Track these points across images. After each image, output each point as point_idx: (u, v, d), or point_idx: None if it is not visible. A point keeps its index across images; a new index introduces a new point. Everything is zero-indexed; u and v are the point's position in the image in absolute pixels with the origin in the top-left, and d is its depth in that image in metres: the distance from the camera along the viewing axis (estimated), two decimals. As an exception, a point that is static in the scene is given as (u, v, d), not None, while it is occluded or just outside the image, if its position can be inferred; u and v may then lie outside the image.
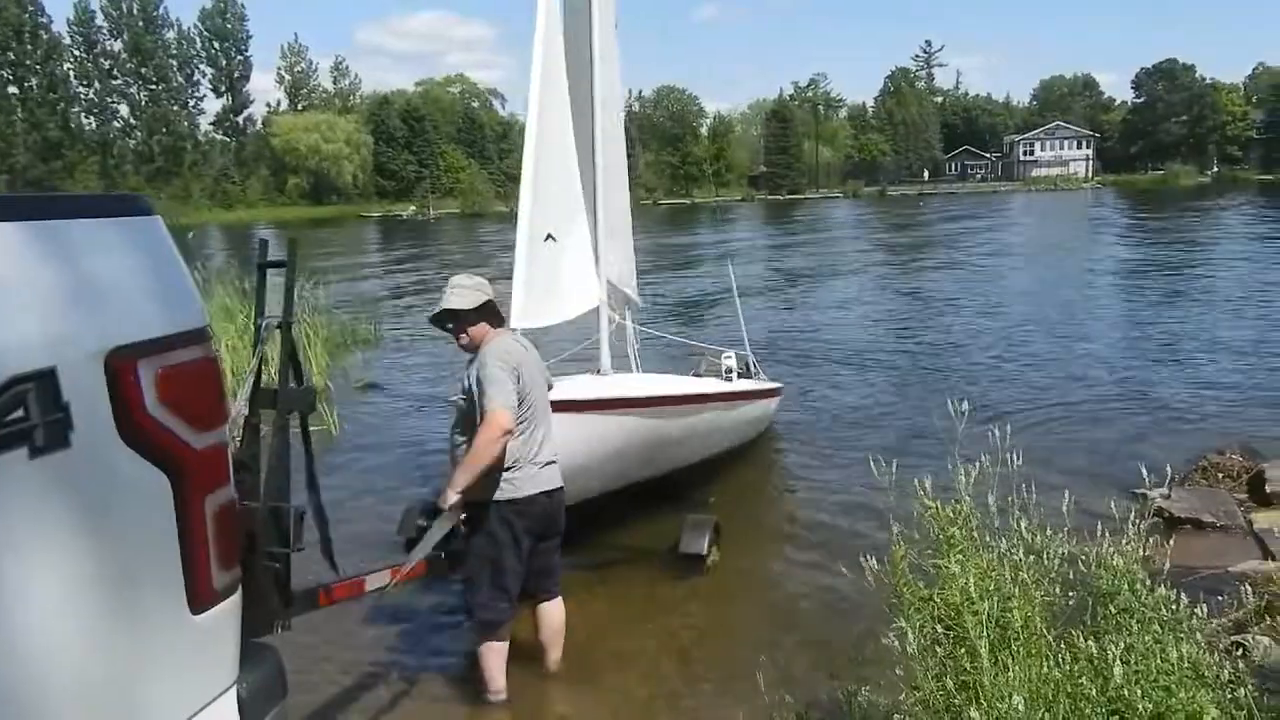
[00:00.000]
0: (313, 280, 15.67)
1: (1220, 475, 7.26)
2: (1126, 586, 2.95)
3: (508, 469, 4.31)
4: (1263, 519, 6.35)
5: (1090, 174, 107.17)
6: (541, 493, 4.38)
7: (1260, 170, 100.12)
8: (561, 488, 4.50)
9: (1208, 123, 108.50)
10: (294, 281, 3.20)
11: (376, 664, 5.09)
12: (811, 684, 4.34)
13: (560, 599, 4.70)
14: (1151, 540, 3.36)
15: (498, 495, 4.31)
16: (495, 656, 4.44)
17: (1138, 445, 8.73)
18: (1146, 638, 2.75)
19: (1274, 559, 5.62)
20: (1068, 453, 8.31)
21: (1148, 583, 2.99)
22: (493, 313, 4.45)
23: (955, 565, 2.90)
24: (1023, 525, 3.14)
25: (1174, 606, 2.93)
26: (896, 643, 2.86)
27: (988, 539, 3.20)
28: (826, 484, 8.04)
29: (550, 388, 4.72)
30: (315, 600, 3.58)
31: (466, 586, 4.58)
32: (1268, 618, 4.31)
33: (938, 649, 2.86)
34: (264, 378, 3.32)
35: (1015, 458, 3.29)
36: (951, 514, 3.07)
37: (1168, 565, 3.30)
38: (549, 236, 5.95)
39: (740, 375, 8.46)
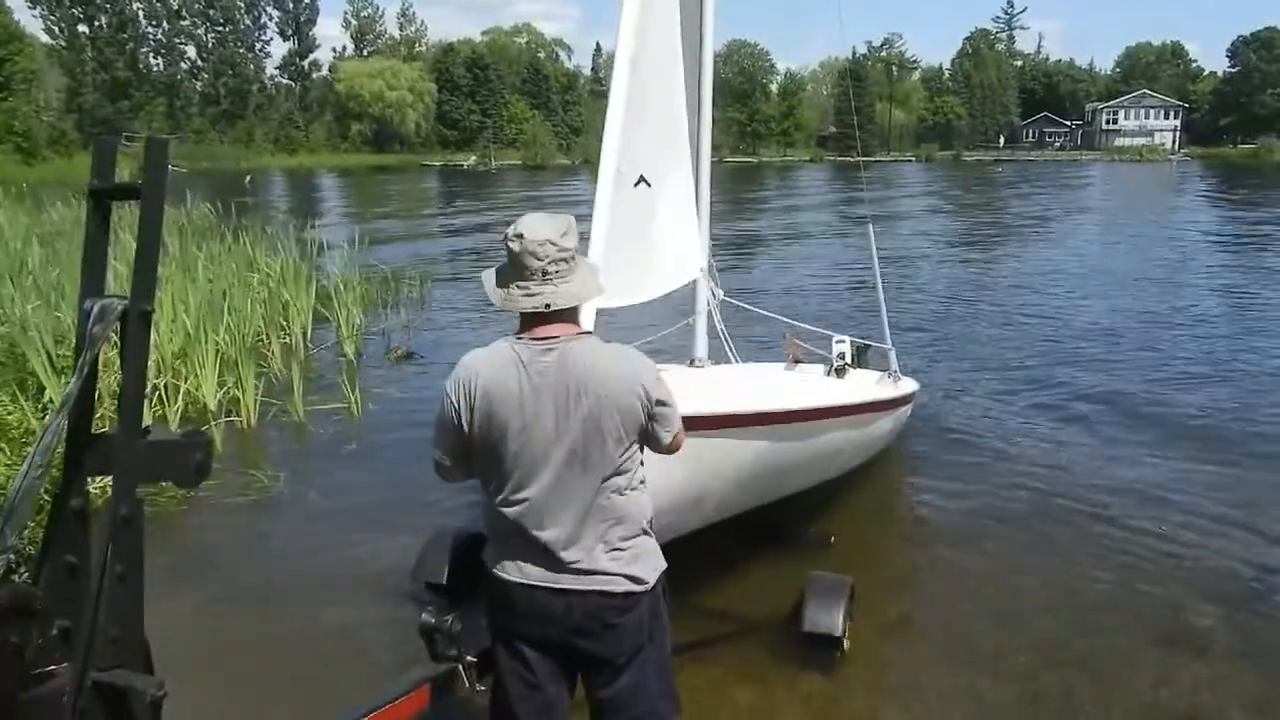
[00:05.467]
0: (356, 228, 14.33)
1: None
2: None
3: (488, 534, 2.88)
4: None
5: (1176, 145, 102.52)
6: (526, 584, 2.74)
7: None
8: (600, 593, 2.72)
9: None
10: (159, 228, 1.69)
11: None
12: None
13: None
14: None
15: (489, 566, 2.85)
16: None
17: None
18: None
19: None
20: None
21: None
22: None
23: None
24: None
25: None
26: None
27: None
28: (970, 512, 6.42)
29: (589, 421, 2.64)
30: None
31: None
32: None
33: None
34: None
35: None
36: None
37: None
38: (641, 180, 4.33)
39: (850, 366, 6.84)
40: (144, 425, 1.83)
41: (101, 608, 1.65)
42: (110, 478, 1.76)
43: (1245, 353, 11.24)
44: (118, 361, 1.82)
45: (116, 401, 1.84)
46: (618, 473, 2.70)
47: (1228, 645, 4.69)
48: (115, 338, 1.78)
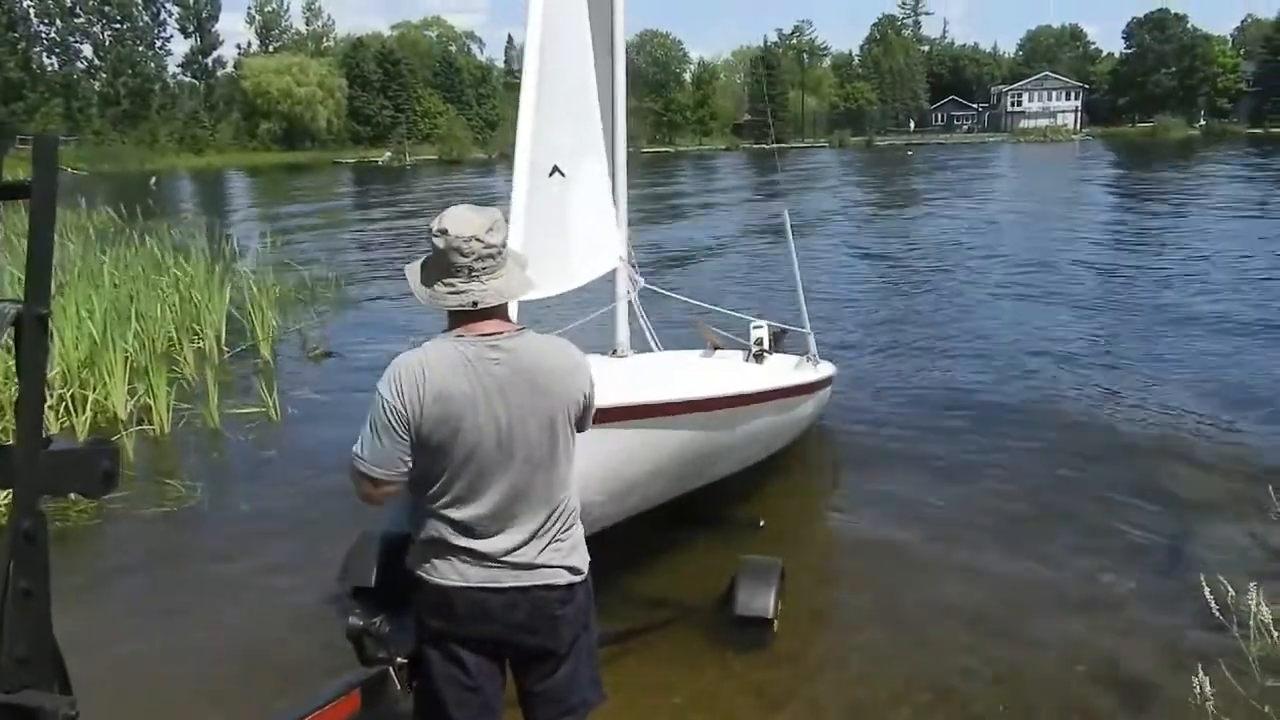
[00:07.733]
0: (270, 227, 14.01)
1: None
2: None
3: (421, 539, 2.72)
4: None
5: (1078, 126, 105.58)
6: (465, 587, 2.64)
7: (1249, 124, 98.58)
8: (544, 586, 2.67)
9: (1198, 74, 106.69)
10: (51, 227, 1.62)
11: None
12: None
13: None
14: None
15: (416, 571, 2.73)
16: None
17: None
18: None
19: None
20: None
21: None
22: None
23: None
24: None
25: None
26: None
27: None
28: (888, 493, 6.52)
29: (544, 417, 2.61)
30: None
31: None
32: None
33: None
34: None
35: None
36: None
37: None
38: (555, 170, 4.29)
39: (769, 351, 6.89)
40: (46, 435, 1.76)
41: (6, 627, 1.58)
42: (10, 491, 1.68)
43: (1163, 318, 11.70)
44: (15, 370, 1.74)
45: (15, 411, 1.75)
46: (567, 467, 2.70)
47: (1140, 613, 4.83)
48: (10, 344, 1.71)
